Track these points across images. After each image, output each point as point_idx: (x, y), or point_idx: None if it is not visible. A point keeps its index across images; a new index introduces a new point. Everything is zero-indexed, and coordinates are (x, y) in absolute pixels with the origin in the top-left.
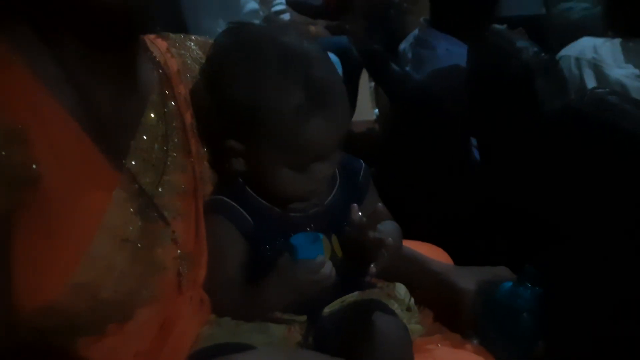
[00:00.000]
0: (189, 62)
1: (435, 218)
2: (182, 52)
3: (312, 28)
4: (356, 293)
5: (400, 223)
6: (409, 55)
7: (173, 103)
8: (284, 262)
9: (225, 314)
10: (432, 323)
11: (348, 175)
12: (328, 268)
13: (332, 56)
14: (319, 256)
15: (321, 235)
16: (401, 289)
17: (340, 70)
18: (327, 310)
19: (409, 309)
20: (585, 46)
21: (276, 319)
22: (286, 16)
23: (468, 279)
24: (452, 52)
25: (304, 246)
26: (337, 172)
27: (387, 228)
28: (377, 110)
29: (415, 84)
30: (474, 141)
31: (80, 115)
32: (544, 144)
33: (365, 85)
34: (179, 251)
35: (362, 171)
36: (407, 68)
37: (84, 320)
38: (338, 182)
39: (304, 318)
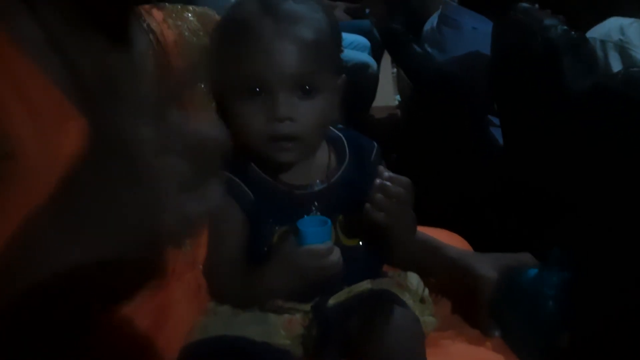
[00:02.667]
0: (186, 34)
1: (457, 205)
2: (179, 23)
3: None
4: (364, 282)
5: (422, 209)
6: (434, 35)
7: (169, 75)
8: (289, 247)
9: (223, 299)
10: (448, 315)
11: (358, 154)
12: (336, 255)
13: (363, 39)
14: (326, 242)
15: (329, 221)
16: (414, 279)
17: (368, 50)
18: (332, 300)
19: (422, 300)
20: (611, 27)
21: (277, 308)
22: None
23: (488, 265)
24: (478, 31)
25: (310, 231)
26: (346, 149)
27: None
28: (399, 96)
29: (437, 66)
30: (496, 120)
31: (67, 85)
32: (572, 124)
33: (388, 70)
34: None
35: (374, 151)
36: (432, 48)
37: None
38: (347, 160)
39: (307, 307)
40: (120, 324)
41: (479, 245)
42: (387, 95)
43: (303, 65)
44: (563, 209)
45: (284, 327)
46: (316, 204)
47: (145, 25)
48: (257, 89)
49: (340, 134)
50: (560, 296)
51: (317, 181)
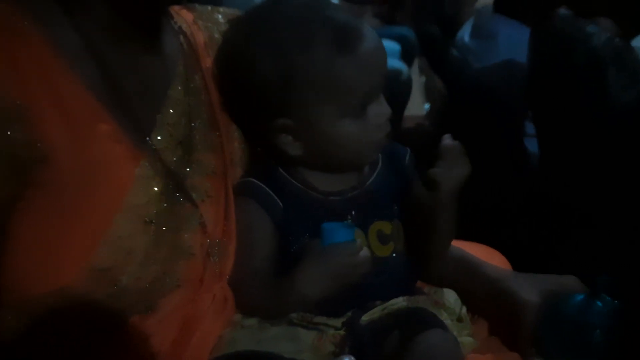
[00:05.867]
0: (216, 35)
1: (490, 218)
2: (209, 25)
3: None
4: (399, 299)
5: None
6: (468, 45)
7: (199, 77)
8: (316, 248)
9: (250, 310)
10: (486, 337)
11: (391, 159)
12: (364, 252)
13: (394, 44)
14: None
15: (353, 224)
16: (451, 296)
17: (397, 56)
18: (365, 317)
19: (460, 320)
20: None
21: (307, 323)
22: None
23: (530, 288)
24: (515, 40)
25: (336, 229)
26: (379, 155)
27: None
28: (427, 106)
29: (473, 72)
30: (530, 129)
31: (100, 89)
32: (615, 137)
33: (417, 79)
34: (208, 240)
35: (407, 156)
36: (467, 57)
37: (102, 309)
38: (380, 165)
39: (338, 323)
40: (147, 334)
41: (518, 261)
42: (415, 105)
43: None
44: (607, 229)
45: (314, 344)
46: (353, 212)
47: (176, 26)
48: (364, 102)
49: None
50: (608, 326)
51: (350, 187)
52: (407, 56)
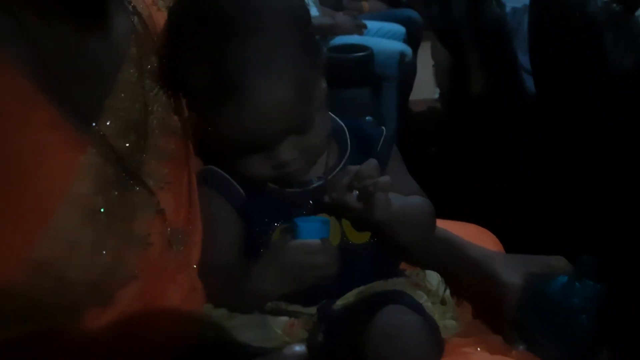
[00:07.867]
0: None
1: (495, 200)
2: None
3: (365, 4)
4: (377, 283)
5: (457, 204)
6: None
7: (157, 59)
8: (278, 243)
9: (217, 301)
10: (471, 320)
11: (362, 144)
12: (330, 254)
13: (398, 26)
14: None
15: (329, 220)
16: (433, 278)
17: (402, 39)
18: (340, 302)
19: (443, 302)
20: None
21: (279, 310)
22: None
23: (513, 270)
24: (519, 10)
25: (306, 226)
26: (347, 140)
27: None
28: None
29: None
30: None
31: (36, 74)
32: (614, 105)
33: (429, 62)
34: (168, 228)
35: (381, 140)
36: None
37: (50, 304)
38: (348, 152)
39: (313, 310)
40: (105, 328)
41: (512, 244)
42: (427, 88)
43: (292, 113)
44: (596, 208)
45: (285, 330)
46: (311, 202)
47: (130, 7)
48: (253, 147)
49: (342, 124)
50: (594, 309)
51: (315, 178)
52: (412, 39)
